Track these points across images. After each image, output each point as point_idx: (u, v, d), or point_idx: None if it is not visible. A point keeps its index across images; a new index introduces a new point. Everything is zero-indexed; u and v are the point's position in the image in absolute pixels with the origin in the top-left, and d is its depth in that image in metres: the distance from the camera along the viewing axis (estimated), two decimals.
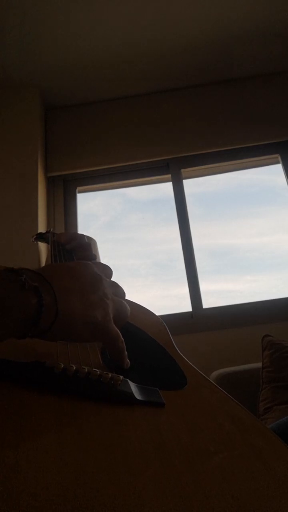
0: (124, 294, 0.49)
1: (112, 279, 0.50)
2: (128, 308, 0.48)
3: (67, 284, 0.40)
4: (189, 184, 2.20)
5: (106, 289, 0.43)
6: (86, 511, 0.24)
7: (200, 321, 1.84)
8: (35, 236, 1.04)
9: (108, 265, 0.50)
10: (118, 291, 0.47)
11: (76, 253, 0.84)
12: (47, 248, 1.05)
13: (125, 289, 0.50)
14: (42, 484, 0.26)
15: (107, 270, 0.48)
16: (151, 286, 2.11)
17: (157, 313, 0.67)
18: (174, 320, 1.84)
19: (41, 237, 1.02)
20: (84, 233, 1.02)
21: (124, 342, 0.43)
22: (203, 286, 1.93)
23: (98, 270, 0.46)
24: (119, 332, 0.43)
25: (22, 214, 1.90)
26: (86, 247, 0.85)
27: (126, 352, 0.44)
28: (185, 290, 1.93)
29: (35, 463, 0.27)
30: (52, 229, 1.02)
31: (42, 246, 1.57)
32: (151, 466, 0.29)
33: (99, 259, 1.11)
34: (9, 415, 0.32)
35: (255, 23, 1.96)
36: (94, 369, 0.38)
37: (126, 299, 0.49)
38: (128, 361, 0.44)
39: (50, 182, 2.20)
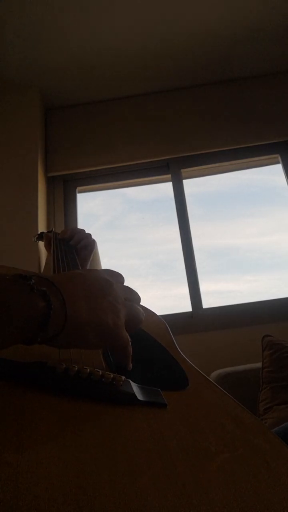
0: (139, 298, 0.48)
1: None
2: (143, 312, 0.47)
3: (76, 289, 0.39)
4: (189, 184, 2.20)
5: (116, 293, 0.43)
6: None
7: (200, 321, 1.84)
8: (37, 236, 1.05)
9: (114, 269, 0.50)
10: (131, 296, 0.47)
11: (80, 244, 0.86)
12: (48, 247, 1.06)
13: None
14: (44, 484, 0.26)
15: (119, 278, 0.48)
16: (151, 286, 2.11)
17: (157, 313, 0.67)
18: (174, 320, 1.84)
19: (42, 237, 1.03)
20: None
21: (131, 347, 0.43)
22: (203, 286, 1.93)
23: (109, 276, 0.45)
24: (129, 338, 0.43)
25: (22, 214, 1.90)
26: (87, 235, 0.88)
27: (131, 357, 0.44)
28: (185, 290, 1.93)
29: (37, 463, 0.27)
30: (53, 228, 1.04)
31: (42, 246, 1.57)
32: (153, 466, 0.29)
33: (99, 259, 1.12)
34: (10, 415, 0.32)
35: (255, 23, 1.96)
36: (96, 369, 0.38)
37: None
38: (132, 364, 0.44)
39: (50, 182, 2.20)
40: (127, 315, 0.43)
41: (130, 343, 0.43)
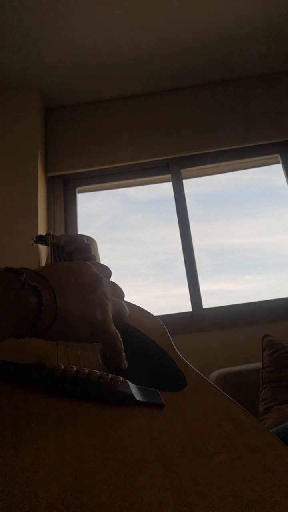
0: (123, 294, 0.49)
1: (111, 279, 0.50)
2: (127, 309, 0.47)
3: (66, 283, 0.40)
4: (189, 184, 2.20)
5: (105, 288, 0.43)
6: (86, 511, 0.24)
7: (200, 321, 1.84)
8: (34, 239, 1.04)
9: (107, 265, 0.50)
10: (117, 291, 0.47)
11: (76, 255, 0.84)
12: (47, 250, 1.05)
13: (125, 289, 0.49)
14: (42, 484, 0.26)
15: (106, 271, 0.48)
16: (151, 286, 2.11)
17: (157, 313, 0.67)
18: (174, 320, 1.84)
19: (40, 239, 1.02)
20: (84, 233, 1.03)
21: (122, 343, 0.44)
22: (203, 286, 1.93)
23: (97, 270, 0.45)
24: (118, 332, 0.43)
25: (22, 214, 1.90)
26: (85, 248, 0.85)
27: (124, 353, 0.44)
28: (185, 290, 1.93)
29: (35, 463, 0.27)
30: (52, 231, 1.03)
31: (42, 248, 1.57)
32: (151, 466, 0.29)
33: (99, 260, 1.11)
34: (9, 416, 0.32)
35: (255, 23, 1.96)
36: (94, 370, 0.38)
37: (125, 301, 0.49)
38: (126, 362, 0.44)
39: (50, 182, 2.20)
40: (115, 310, 0.44)
41: (120, 338, 0.43)
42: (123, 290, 0.49)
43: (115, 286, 0.47)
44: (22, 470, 0.27)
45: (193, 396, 0.41)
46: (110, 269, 0.49)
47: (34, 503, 0.24)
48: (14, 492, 0.25)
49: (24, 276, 0.35)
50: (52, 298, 0.37)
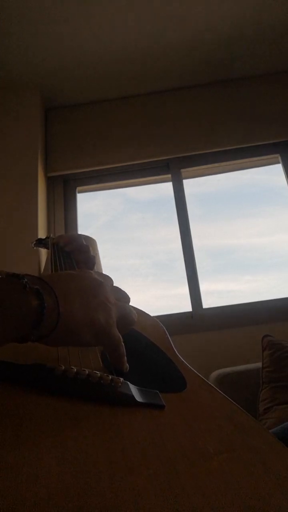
0: (128, 298, 0.49)
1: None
2: (135, 313, 0.47)
3: (68, 287, 0.40)
4: (189, 184, 2.21)
5: (107, 293, 0.43)
6: (87, 511, 0.24)
7: (200, 321, 1.84)
8: (34, 242, 1.04)
9: (107, 267, 0.50)
10: (120, 295, 0.47)
11: (75, 255, 0.84)
12: (47, 253, 1.05)
13: (125, 289, 0.49)
14: (43, 484, 0.26)
15: (108, 280, 0.48)
16: (151, 286, 2.12)
17: (157, 313, 0.67)
18: (174, 320, 1.84)
19: (40, 242, 1.02)
20: (84, 233, 1.03)
21: (124, 347, 0.44)
22: (203, 286, 1.93)
23: (99, 277, 0.46)
24: (121, 336, 0.43)
25: (22, 214, 1.90)
26: (84, 249, 0.85)
27: (125, 357, 0.44)
28: (185, 290, 1.93)
29: (36, 463, 0.28)
30: (51, 235, 1.02)
31: (43, 250, 1.57)
32: (151, 466, 0.29)
33: (99, 259, 1.12)
34: (10, 416, 0.32)
35: (256, 23, 1.96)
36: (94, 371, 0.38)
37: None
38: (127, 365, 0.44)
39: (50, 182, 2.20)
40: (119, 314, 0.44)
41: (123, 342, 0.43)
42: (127, 293, 0.49)
43: (118, 290, 0.47)
44: (23, 469, 0.27)
45: (193, 397, 0.42)
46: (112, 278, 0.49)
47: (36, 502, 0.24)
48: (16, 491, 0.25)
49: (25, 279, 0.36)
50: (54, 302, 0.37)
